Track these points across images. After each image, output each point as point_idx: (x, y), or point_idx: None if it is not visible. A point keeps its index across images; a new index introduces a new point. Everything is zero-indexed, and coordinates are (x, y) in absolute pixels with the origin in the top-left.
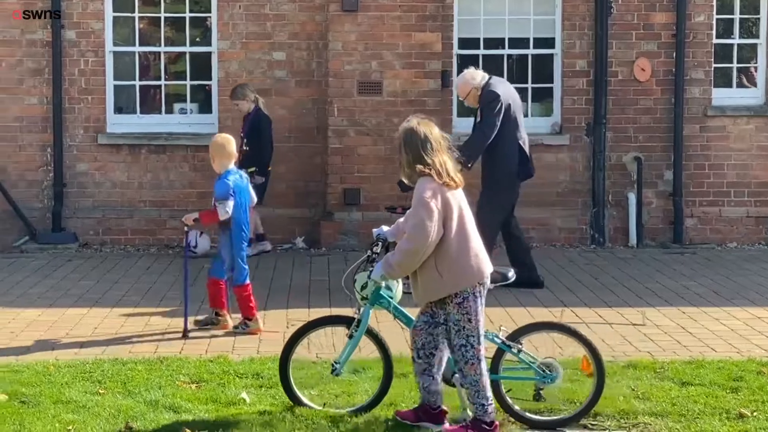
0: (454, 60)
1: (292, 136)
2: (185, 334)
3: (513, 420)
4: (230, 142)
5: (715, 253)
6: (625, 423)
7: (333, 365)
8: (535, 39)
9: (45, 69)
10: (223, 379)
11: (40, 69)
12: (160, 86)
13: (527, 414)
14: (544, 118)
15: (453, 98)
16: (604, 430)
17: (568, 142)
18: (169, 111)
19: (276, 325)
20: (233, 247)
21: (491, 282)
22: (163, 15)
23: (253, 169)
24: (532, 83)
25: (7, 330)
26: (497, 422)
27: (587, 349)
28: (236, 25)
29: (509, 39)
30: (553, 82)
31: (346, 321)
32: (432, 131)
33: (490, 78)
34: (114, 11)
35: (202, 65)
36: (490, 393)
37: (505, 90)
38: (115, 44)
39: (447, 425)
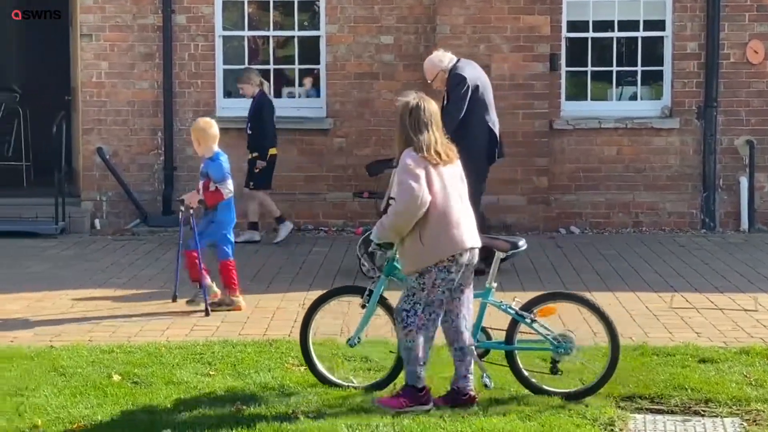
0: (563, 43)
1: None
2: (174, 299)
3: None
4: (211, 125)
5: None
6: (738, 410)
7: (349, 337)
8: (645, 21)
9: (156, 53)
10: (331, 362)
11: (151, 53)
12: (268, 70)
13: (543, 386)
14: (654, 101)
15: (561, 82)
16: (716, 416)
17: (678, 125)
18: (278, 95)
19: None
20: (219, 225)
21: (503, 251)
22: None
23: (255, 154)
24: (641, 66)
25: (120, 311)
26: (428, 386)
27: (602, 321)
28: (344, 9)
29: (619, 21)
30: (663, 65)
31: (361, 291)
32: (427, 107)
33: (458, 60)
34: None
35: (310, 49)
36: (423, 360)
37: (473, 72)
38: (224, 28)
39: (380, 396)
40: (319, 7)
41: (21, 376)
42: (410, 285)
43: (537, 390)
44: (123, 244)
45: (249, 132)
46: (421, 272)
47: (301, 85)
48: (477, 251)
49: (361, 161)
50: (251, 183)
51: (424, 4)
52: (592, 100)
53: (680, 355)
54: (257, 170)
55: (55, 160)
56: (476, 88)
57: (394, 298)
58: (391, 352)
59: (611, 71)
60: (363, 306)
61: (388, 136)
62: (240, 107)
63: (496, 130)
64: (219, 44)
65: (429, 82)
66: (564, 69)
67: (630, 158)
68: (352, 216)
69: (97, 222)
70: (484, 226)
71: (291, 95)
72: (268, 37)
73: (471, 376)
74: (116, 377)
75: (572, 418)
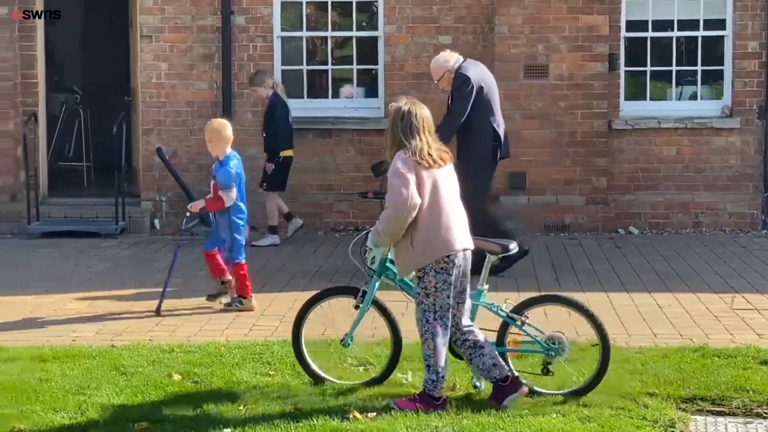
0: (622, 43)
1: None
2: (158, 312)
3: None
4: (226, 127)
5: None
6: None
7: (343, 337)
8: (704, 20)
9: (215, 54)
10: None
11: (210, 54)
12: (326, 71)
13: (535, 387)
14: (714, 101)
15: (620, 81)
16: None
17: (739, 125)
18: (336, 95)
19: None
20: (231, 227)
21: (493, 254)
22: (330, 0)
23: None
24: (701, 66)
25: (178, 310)
26: (445, 397)
27: (592, 323)
28: (402, 9)
29: (678, 21)
30: (723, 65)
31: (354, 292)
32: (418, 112)
33: (464, 61)
34: None
35: (368, 50)
36: (442, 368)
37: (478, 72)
38: (283, 29)
39: (397, 399)
40: (377, 8)
41: (83, 374)
42: (415, 292)
43: (530, 391)
44: (181, 244)
45: (264, 134)
46: (419, 276)
47: (359, 85)
48: (469, 253)
49: None
50: (264, 184)
51: (482, 3)
52: (651, 99)
53: (741, 357)
54: (267, 171)
55: (115, 161)
56: (480, 89)
57: (390, 298)
58: (378, 356)
59: (671, 71)
60: (356, 306)
61: None
62: (296, 107)
63: (501, 132)
64: (277, 45)
65: (435, 82)
66: (623, 69)
67: (690, 158)
68: None
69: (156, 222)
70: (495, 227)
71: (349, 96)
72: (326, 37)
73: (500, 361)
74: (176, 377)
75: (632, 420)
